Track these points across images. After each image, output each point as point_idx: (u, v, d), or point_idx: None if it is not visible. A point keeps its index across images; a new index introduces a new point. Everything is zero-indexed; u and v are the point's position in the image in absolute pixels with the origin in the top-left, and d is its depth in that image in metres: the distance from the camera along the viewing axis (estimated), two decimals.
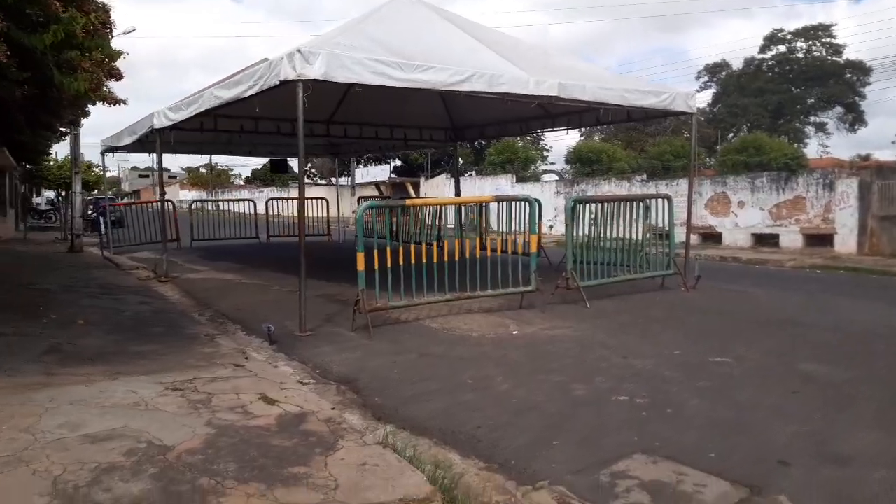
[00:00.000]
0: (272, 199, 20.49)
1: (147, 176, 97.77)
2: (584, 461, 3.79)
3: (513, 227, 14.06)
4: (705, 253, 17.73)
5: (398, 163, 56.03)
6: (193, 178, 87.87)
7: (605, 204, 9.72)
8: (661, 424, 4.35)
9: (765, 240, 19.23)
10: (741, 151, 25.77)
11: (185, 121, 12.42)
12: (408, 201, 7.58)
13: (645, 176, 25.38)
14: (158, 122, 12.01)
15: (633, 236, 10.00)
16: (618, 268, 9.89)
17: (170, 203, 20.97)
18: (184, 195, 74.13)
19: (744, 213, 19.87)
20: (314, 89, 12.30)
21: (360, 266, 7.29)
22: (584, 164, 40.93)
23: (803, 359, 6.02)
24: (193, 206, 20.82)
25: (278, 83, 7.45)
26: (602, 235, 9.80)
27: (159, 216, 20.44)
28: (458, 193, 16.81)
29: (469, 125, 15.44)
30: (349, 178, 44.59)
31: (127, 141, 14.60)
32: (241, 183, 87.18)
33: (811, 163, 24.85)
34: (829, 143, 50.50)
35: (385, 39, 8.53)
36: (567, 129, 13.23)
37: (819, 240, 17.85)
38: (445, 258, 7.88)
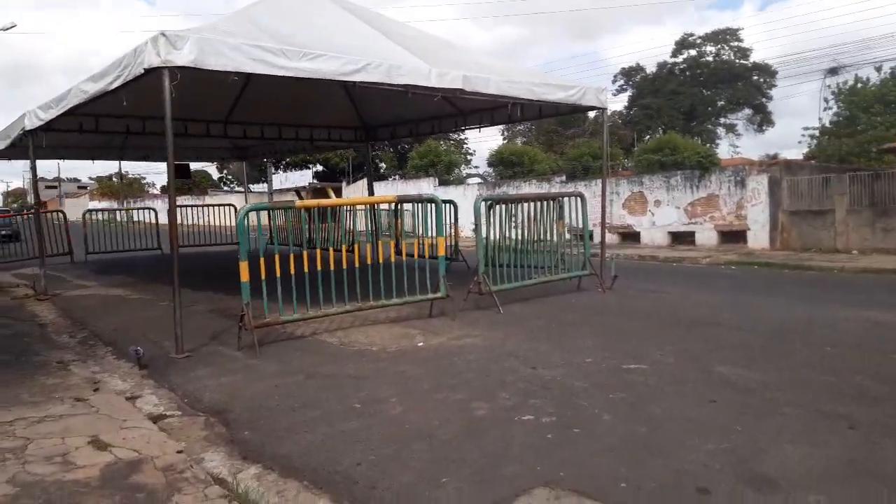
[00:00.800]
0: (178, 206, 19.16)
1: (55, 187, 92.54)
2: (474, 502, 3.20)
3: (429, 231, 13.64)
4: (624, 252, 17.66)
5: (319, 168, 54.81)
6: (104, 187, 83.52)
7: (518, 203, 9.23)
8: (567, 448, 3.81)
9: (681, 238, 19.35)
10: (657, 151, 26.09)
11: (60, 122, 11.31)
12: (297, 203, 6.80)
13: (564, 177, 25.34)
14: (30, 123, 10.86)
15: (548, 237, 9.58)
16: (534, 270, 9.44)
17: (60, 214, 19.55)
18: (93, 205, 70.37)
19: (660, 212, 19.97)
20: (206, 83, 11.43)
21: (244, 276, 6.53)
22: (506, 166, 40.97)
23: (720, 361, 5.65)
24: (88, 217, 19.23)
25: (143, 72, 6.59)
26: (516, 237, 9.32)
27: (58, 229, 19.18)
28: (370, 192, 16.12)
29: (380, 124, 14.77)
30: (267, 185, 43.17)
31: (1, 146, 13.25)
32: (157, 192, 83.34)
33: (723, 162, 25.39)
34: (738, 143, 52.38)
35: (274, 27, 7.82)
36: (479, 127, 12.76)
37: (733, 236, 18.06)
38: (347, 264, 7.21)
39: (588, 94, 9.81)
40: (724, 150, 48.49)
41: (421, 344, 6.57)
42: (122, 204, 70.03)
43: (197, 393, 5.28)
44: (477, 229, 8.21)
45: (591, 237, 10.29)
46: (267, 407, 4.84)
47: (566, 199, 9.87)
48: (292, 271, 6.83)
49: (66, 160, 19.10)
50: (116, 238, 19.14)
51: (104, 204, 70.76)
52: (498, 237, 9.10)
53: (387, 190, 33.36)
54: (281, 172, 53.36)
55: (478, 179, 44.40)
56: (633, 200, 20.76)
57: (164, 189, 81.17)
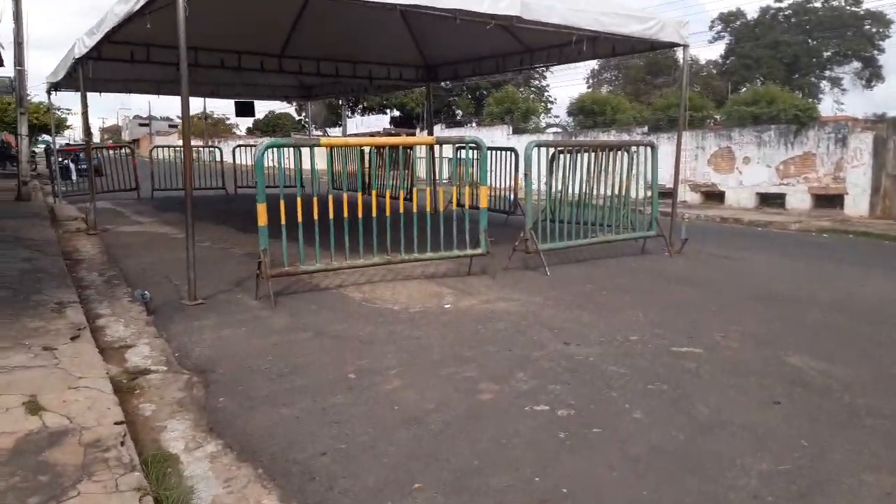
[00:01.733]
0: (239, 146, 19.01)
1: (147, 124, 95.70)
2: None
3: (496, 180, 12.80)
4: (706, 213, 16.31)
5: (396, 113, 54.23)
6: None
7: (577, 152, 8.28)
8: (580, 455, 3.07)
9: (771, 200, 17.73)
10: (751, 104, 24.04)
11: (111, 50, 11.02)
12: (322, 140, 6.15)
13: (646, 129, 23.73)
14: (78, 51, 10.58)
15: (612, 191, 8.63)
16: (595, 228, 8.55)
17: (128, 149, 19.75)
18: (193, 144, 72.31)
19: (749, 171, 18.32)
20: (257, 12, 10.88)
21: (262, 220, 5.99)
22: (586, 116, 39.18)
23: (795, 348, 4.71)
24: (156, 154, 19.30)
25: None
26: (575, 189, 8.41)
27: (139, 164, 19.40)
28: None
29: (442, 63, 13.86)
30: (342, 128, 42.96)
31: (62, 75, 13.18)
32: (242, 133, 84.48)
33: (824, 119, 23.15)
34: (844, 99, 48.17)
35: None
36: (546, 65, 11.75)
37: (828, 201, 16.36)
38: (377, 211, 6.55)
39: (667, 29, 8.62)
40: (826, 107, 44.72)
41: (448, 306, 5.89)
42: (205, 143, 71.87)
43: (191, 346, 4.81)
44: (526, 179, 7.37)
45: (669, 194, 9.25)
46: (255, 369, 4.29)
47: (635, 148, 8.83)
48: (316, 217, 6.25)
49: (132, 93, 19.26)
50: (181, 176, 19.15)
51: (193, 143, 72.66)
52: (557, 189, 8.25)
53: (458, 135, 32.45)
54: (358, 116, 53.10)
55: (556, 129, 42.80)
56: (720, 157, 19.15)
57: (249, 130, 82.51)
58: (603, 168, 8.41)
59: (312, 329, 5.20)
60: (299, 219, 6.20)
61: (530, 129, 38.90)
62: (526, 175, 7.41)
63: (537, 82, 55.84)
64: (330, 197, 6.44)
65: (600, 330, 5.13)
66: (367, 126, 46.30)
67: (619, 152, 8.67)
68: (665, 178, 10.27)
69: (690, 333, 5.04)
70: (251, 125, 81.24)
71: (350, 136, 46.76)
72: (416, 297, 6.19)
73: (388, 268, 7.13)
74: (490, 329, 5.12)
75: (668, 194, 10.56)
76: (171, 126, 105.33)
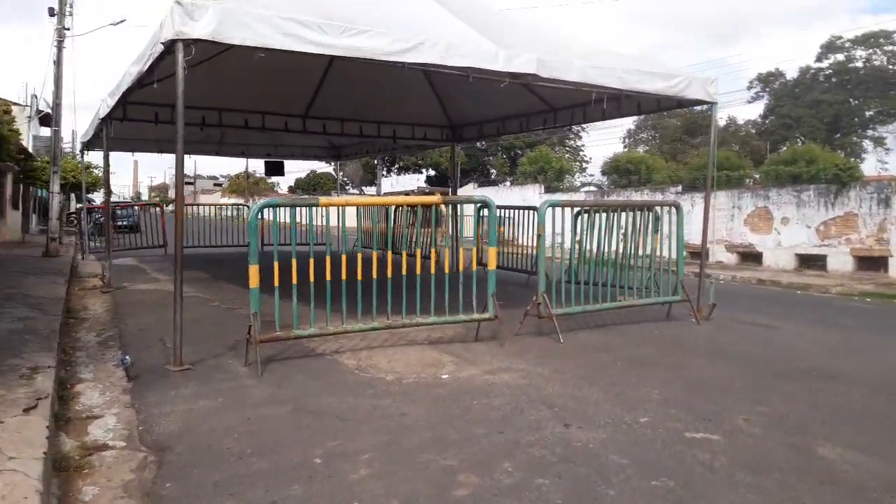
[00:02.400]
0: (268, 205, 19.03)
1: (192, 183, 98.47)
2: None
3: (522, 237, 12.43)
4: (741, 275, 15.63)
5: (432, 172, 54.65)
6: (232, 184, 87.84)
7: (600, 211, 7.87)
8: None
9: (810, 261, 16.95)
10: (790, 163, 23.41)
11: (133, 111, 11.14)
12: (321, 200, 5.90)
13: (681, 188, 23.22)
14: (102, 111, 10.69)
15: (636, 252, 8.18)
16: (617, 291, 8.07)
17: (157, 207, 19.99)
18: (224, 202, 74.02)
19: (788, 231, 17.63)
20: (282, 73, 10.88)
21: (253, 282, 5.71)
22: (621, 175, 38.83)
23: (827, 436, 4.13)
24: (189, 211, 19.46)
25: (162, 48, 5.90)
26: (594, 250, 7.98)
27: (178, 221, 19.54)
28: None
29: (467, 122, 13.73)
30: (376, 187, 43.34)
31: (91, 135, 13.41)
32: (284, 191, 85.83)
33: (867, 178, 22.35)
34: (888, 159, 47.01)
35: (327, 5, 6.97)
36: (570, 125, 11.44)
37: (871, 263, 15.54)
38: (377, 273, 6.21)
39: (693, 86, 8.28)
40: (869, 166, 43.61)
41: (445, 376, 5.45)
42: (246, 201, 73.30)
43: (159, 419, 4.45)
44: (539, 240, 6.97)
45: (704, 256, 8.74)
46: (218, 449, 3.90)
47: (660, 208, 8.38)
48: (311, 278, 5.95)
49: (164, 153, 19.65)
50: (213, 233, 19.26)
51: (232, 200, 74.31)
52: (580, 249, 7.84)
53: (491, 195, 32.29)
54: (394, 175, 53.68)
55: (590, 187, 42.48)
56: (757, 216, 18.51)
57: (290, 189, 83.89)
58: (626, 229, 7.99)
59: (293, 402, 4.80)
60: (293, 280, 5.91)
61: (563, 187, 38.69)
62: (539, 235, 7.02)
63: (572, 142, 55.96)
64: (327, 258, 6.11)
65: (607, 409, 4.62)
66: (401, 185, 46.75)
67: (644, 212, 8.25)
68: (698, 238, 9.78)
69: (709, 416, 4.49)
70: (293, 184, 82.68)
71: (385, 194, 47.12)
72: (413, 366, 5.77)
73: (391, 331, 6.75)
74: (484, 406, 4.65)
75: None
76: (215, 184, 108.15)
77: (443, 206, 6.48)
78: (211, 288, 11.03)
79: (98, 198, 31.94)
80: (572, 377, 5.46)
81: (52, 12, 15.87)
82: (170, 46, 5.68)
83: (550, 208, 7.15)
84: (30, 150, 18.85)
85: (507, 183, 47.28)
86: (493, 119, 12.92)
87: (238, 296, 10.29)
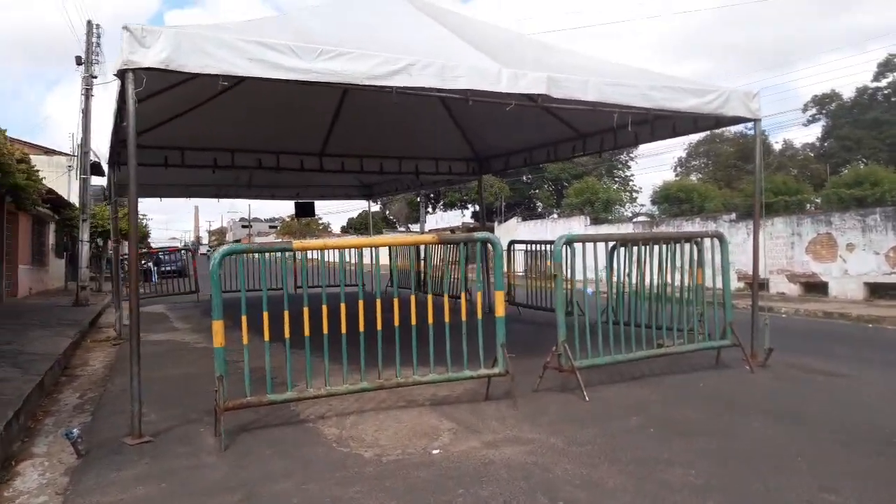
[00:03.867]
0: (231, 252, 18.55)
1: (249, 226, 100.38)
2: None
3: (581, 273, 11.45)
4: (805, 307, 14.23)
5: (477, 207, 54.02)
6: (284, 227, 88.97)
7: (624, 245, 6.90)
8: None
9: (881, 290, 15.39)
10: (853, 186, 21.83)
11: (145, 156, 10.72)
12: (295, 244, 5.14)
13: (734, 215, 21.83)
14: (111, 158, 10.34)
15: (675, 290, 7.18)
16: (654, 332, 7.07)
17: (189, 252, 19.73)
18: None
19: (854, 258, 16.12)
20: (294, 111, 10.34)
21: (217, 340, 4.98)
22: (672, 204, 37.36)
23: None
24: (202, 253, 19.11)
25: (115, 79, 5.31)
26: (636, 288, 7.01)
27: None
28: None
29: (492, 154, 12.93)
30: (420, 224, 42.89)
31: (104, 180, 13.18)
32: (336, 231, 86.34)
33: None
34: None
35: (311, 26, 6.34)
36: (600, 151, 10.51)
37: None
38: (365, 326, 5.38)
39: (732, 102, 7.30)
40: None
41: (436, 452, 4.53)
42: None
43: None
44: (556, 281, 6.04)
45: (756, 291, 7.64)
46: None
47: (702, 240, 7.36)
48: (286, 333, 5.19)
49: (194, 197, 19.56)
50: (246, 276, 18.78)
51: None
52: (616, 287, 6.89)
53: (533, 228, 31.38)
54: (439, 212, 53.32)
55: (642, 218, 41.04)
56: (819, 244, 17.05)
57: (343, 229, 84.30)
58: (663, 263, 7.00)
59: (244, 489, 3.97)
60: (266, 336, 5.17)
61: (611, 219, 37.42)
62: (555, 276, 6.10)
63: (621, 171, 54.66)
64: (324, 307, 5.33)
65: (629, 500, 3.63)
66: (446, 221, 46.22)
67: (684, 245, 7.24)
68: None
69: None
70: (345, 224, 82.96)
71: (429, 231, 46.57)
72: (402, 437, 4.88)
73: (393, 391, 5.89)
74: (471, 499, 3.72)
75: (761, 286, 8.84)
76: (270, 227, 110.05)
77: (438, 245, 5.63)
78: (227, 336, 10.38)
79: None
80: (590, 451, 4.48)
81: (79, 61, 15.92)
82: (122, 77, 5.06)
83: (567, 246, 6.22)
84: (67, 198, 18.92)
85: (555, 216, 46.26)
86: (519, 150, 12.10)
87: (253, 346, 9.62)
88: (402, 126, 11.42)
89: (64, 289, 22.59)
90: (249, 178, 16.66)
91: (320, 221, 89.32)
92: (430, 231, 46.97)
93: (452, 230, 44.77)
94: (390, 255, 6.59)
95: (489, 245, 5.82)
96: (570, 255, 7.24)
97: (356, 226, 70.83)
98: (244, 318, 5.15)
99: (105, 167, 12.96)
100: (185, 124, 10.20)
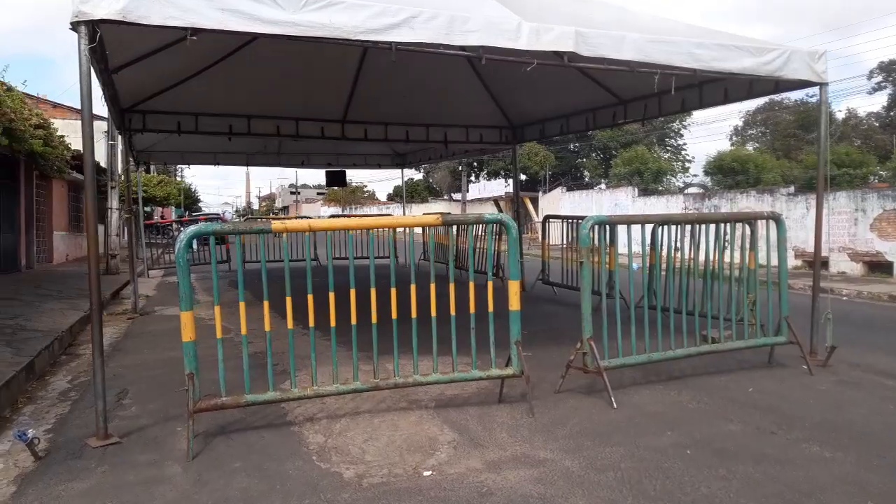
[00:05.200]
0: (333, 216, 18.08)
1: (297, 192, 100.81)
2: None
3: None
4: (869, 289, 13.07)
5: (523, 177, 52.83)
6: (331, 194, 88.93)
7: (661, 226, 6.03)
8: None
9: None
10: None
11: (155, 121, 10.25)
12: (275, 225, 4.47)
13: (793, 189, 20.44)
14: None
15: (721, 276, 6.33)
16: (698, 322, 6.24)
17: (219, 220, 19.39)
18: (324, 211, 75.04)
19: None
20: (312, 70, 9.64)
21: (186, 334, 4.39)
22: (725, 175, 35.69)
23: None
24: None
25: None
26: (675, 274, 6.17)
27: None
28: (517, 205, 13.42)
29: (527, 122, 12.03)
30: (461, 194, 42.02)
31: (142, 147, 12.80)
32: (383, 200, 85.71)
33: None
34: None
35: None
36: (643, 119, 9.57)
37: None
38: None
39: (793, 62, 6.30)
40: None
41: (427, 473, 3.86)
42: (343, 210, 73.51)
43: None
44: (582, 267, 5.25)
45: (818, 282, 6.72)
46: None
47: (757, 221, 6.44)
48: (267, 326, 4.59)
49: (221, 165, 19.01)
50: (277, 247, 18.37)
51: (332, 210, 75.04)
52: (656, 272, 6.07)
53: (579, 199, 30.29)
54: (483, 181, 52.23)
55: (693, 189, 39.35)
56: (885, 220, 15.72)
57: (389, 196, 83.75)
58: (710, 246, 6.14)
59: None
60: (243, 330, 4.57)
61: (661, 189, 35.93)
62: (581, 263, 5.31)
63: (673, 140, 52.61)
64: (332, 296, 4.70)
65: None
66: (488, 191, 45.15)
67: (735, 226, 6.36)
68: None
69: None
70: (391, 191, 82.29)
71: (470, 200, 45.72)
72: (393, 450, 4.23)
73: (397, 391, 5.24)
74: None
75: (824, 264, 7.81)
76: (318, 194, 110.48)
77: (450, 227, 4.87)
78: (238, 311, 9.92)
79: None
80: (611, 480, 3.74)
81: None
82: (76, 31, 4.41)
83: (597, 228, 5.41)
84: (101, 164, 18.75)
85: (602, 186, 44.81)
86: (555, 116, 11.19)
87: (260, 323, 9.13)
88: (429, 91, 10.65)
89: (103, 255, 22.67)
90: (279, 145, 16.15)
91: (365, 189, 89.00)
92: (476, 199, 46.11)
93: (496, 200, 43.79)
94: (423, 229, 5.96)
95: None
96: (609, 233, 6.47)
97: (401, 193, 70.26)
98: (218, 309, 4.54)
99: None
100: (198, 88, 9.65)
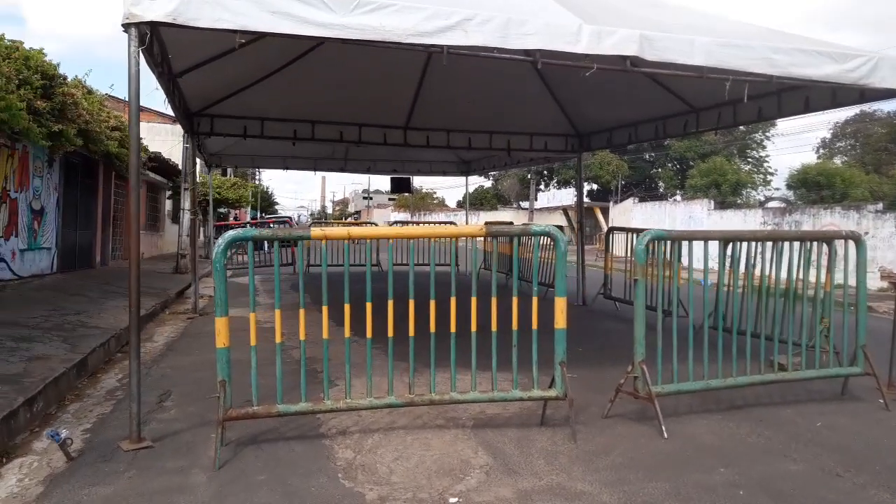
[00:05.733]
0: (396, 222, 18.12)
1: (370, 198, 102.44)
2: None
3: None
4: None
5: (594, 186, 51.88)
6: (401, 200, 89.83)
7: (729, 244, 5.62)
8: None
9: None
10: None
11: (219, 125, 10.42)
12: (314, 232, 4.36)
13: (881, 205, 19.19)
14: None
15: (793, 299, 5.87)
16: (763, 345, 5.80)
17: (287, 223, 19.72)
18: (393, 216, 76.06)
19: None
20: (375, 74, 9.61)
21: (221, 341, 4.32)
22: (809, 189, 34.01)
23: None
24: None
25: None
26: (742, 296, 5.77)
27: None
28: (580, 215, 13.01)
29: (594, 130, 11.64)
30: (529, 202, 41.57)
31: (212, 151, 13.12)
32: (453, 207, 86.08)
33: None
34: None
35: None
36: (716, 129, 9.06)
37: None
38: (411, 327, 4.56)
39: (881, 70, 5.78)
40: None
41: (453, 501, 3.64)
42: (412, 216, 74.20)
43: None
44: (637, 285, 4.93)
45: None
46: None
47: (835, 241, 5.94)
48: (302, 336, 4.49)
49: (289, 170, 19.30)
50: (342, 252, 18.49)
51: (401, 215, 75.93)
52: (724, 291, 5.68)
53: (649, 211, 29.42)
54: (553, 189, 51.60)
55: (775, 202, 37.63)
56: None
57: (459, 204, 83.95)
58: (782, 267, 5.70)
59: None
60: (301, 335, 4.47)
61: (739, 202, 34.61)
62: (635, 281, 4.98)
63: (754, 151, 50.60)
64: (345, 306, 4.59)
65: None
66: (558, 200, 44.51)
67: (810, 246, 5.89)
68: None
69: None
70: (460, 199, 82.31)
71: (539, 209, 45.18)
72: (422, 471, 4.03)
73: (435, 407, 5.04)
74: None
75: None
76: (389, 199, 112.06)
77: (496, 238, 4.63)
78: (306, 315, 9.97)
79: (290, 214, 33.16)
80: None
81: None
82: (127, 33, 4.43)
83: (654, 242, 5.08)
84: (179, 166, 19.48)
85: (677, 197, 43.52)
86: (623, 124, 10.77)
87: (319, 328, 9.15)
88: (493, 97, 10.44)
89: (174, 255, 23.47)
90: (346, 151, 16.27)
91: (435, 196, 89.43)
92: (545, 209, 45.56)
93: (564, 209, 43.11)
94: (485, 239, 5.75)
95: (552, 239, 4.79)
96: (676, 248, 6.11)
97: (471, 201, 70.16)
98: (253, 317, 4.46)
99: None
100: (264, 94, 9.76)
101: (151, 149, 19.05)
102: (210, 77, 8.57)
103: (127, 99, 4.66)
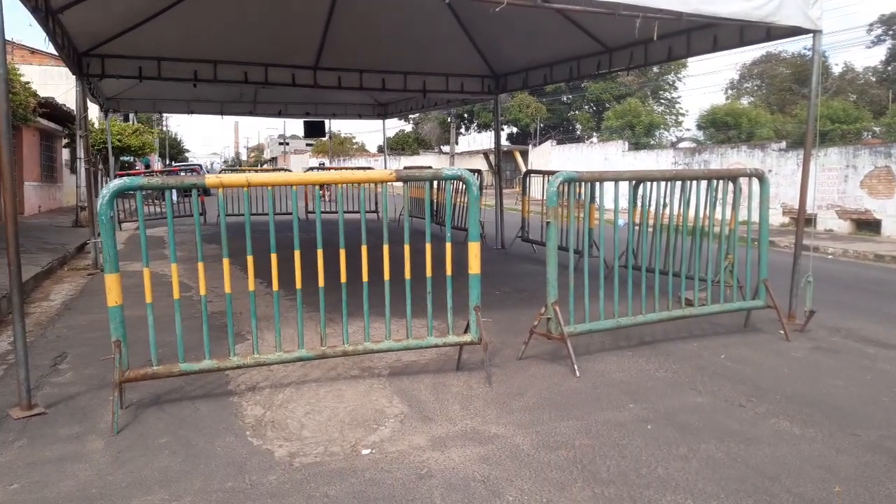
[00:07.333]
0: (312, 168, 17.59)
1: (286, 143, 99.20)
2: None
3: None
4: (855, 248, 12.84)
5: (514, 130, 51.99)
6: (319, 145, 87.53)
7: (641, 183, 5.67)
8: None
9: None
10: None
11: (115, 66, 9.69)
12: (208, 179, 4.08)
13: (784, 144, 20.01)
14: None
15: (699, 235, 6.01)
16: (672, 282, 5.94)
17: (194, 172, 18.85)
18: (311, 162, 74.00)
19: None
20: (281, 13, 9.09)
21: (112, 298, 4.03)
22: (718, 129, 35.13)
23: None
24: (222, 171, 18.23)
25: None
26: (652, 234, 5.84)
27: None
28: (497, 158, 12.97)
29: (510, 71, 11.50)
30: (450, 146, 41.30)
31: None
32: (374, 151, 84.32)
33: None
34: None
35: None
36: (628, 68, 9.09)
37: None
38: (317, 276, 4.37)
39: (787, 7, 5.84)
40: None
41: (366, 452, 3.57)
42: (330, 162, 72.61)
43: None
44: (549, 227, 4.90)
45: (800, 239, 6.39)
46: None
47: (740, 178, 6.07)
48: (202, 290, 4.25)
49: (194, 114, 18.24)
50: (259, 201, 17.85)
51: (320, 161, 74.01)
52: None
53: (567, 153, 29.77)
54: (474, 133, 51.41)
55: (685, 143, 38.78)
56: (876, 178, 15.39)
57: (380, 149, 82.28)
58: (690, 204, 5.80)
59: (105, 498, 3.09)
60: (201, 289, 4.22)
61: (652, 144, 35.43)
62: (548, 224, 4.95)
63: (667, 93, 51.71)
64: (274, 256, 4.35)
65: None
66: (478, 144, 44.42)
67: (716, 184, 6.02)
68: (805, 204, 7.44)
69: None
70: (381, 144, 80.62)
71: (460, 153, 45.03)
72: (335, 424, 3.93)
73: (351, 357, 4.91)
74: None
75: (808, 222, 7.43)
76: (307, 145, 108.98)
77: (398, 182, 4.46)
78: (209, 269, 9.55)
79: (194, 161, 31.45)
80: (563, 459, 3.46)
81: None
82: None
83: (566, 184, 5.04)
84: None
85: (594, 139, 44.14)
86: (538, 65, 10.67)
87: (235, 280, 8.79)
88: (406, 37, 10.11)
89: (73, 208, 22.16)
90: (255, 93, 15.55)
91: (355, 141, 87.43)
92: (466, 153, 45.41)
93: (485, 153, 43.10)
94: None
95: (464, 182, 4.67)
96: (589, 189, 6.12)
97: (392, 146, 69.08)
98: (147, 272, 4.18)
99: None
100: (160, 31, 9.08)
101: (45, 93, 17.65)
102: (98, 13, 7.89)
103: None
